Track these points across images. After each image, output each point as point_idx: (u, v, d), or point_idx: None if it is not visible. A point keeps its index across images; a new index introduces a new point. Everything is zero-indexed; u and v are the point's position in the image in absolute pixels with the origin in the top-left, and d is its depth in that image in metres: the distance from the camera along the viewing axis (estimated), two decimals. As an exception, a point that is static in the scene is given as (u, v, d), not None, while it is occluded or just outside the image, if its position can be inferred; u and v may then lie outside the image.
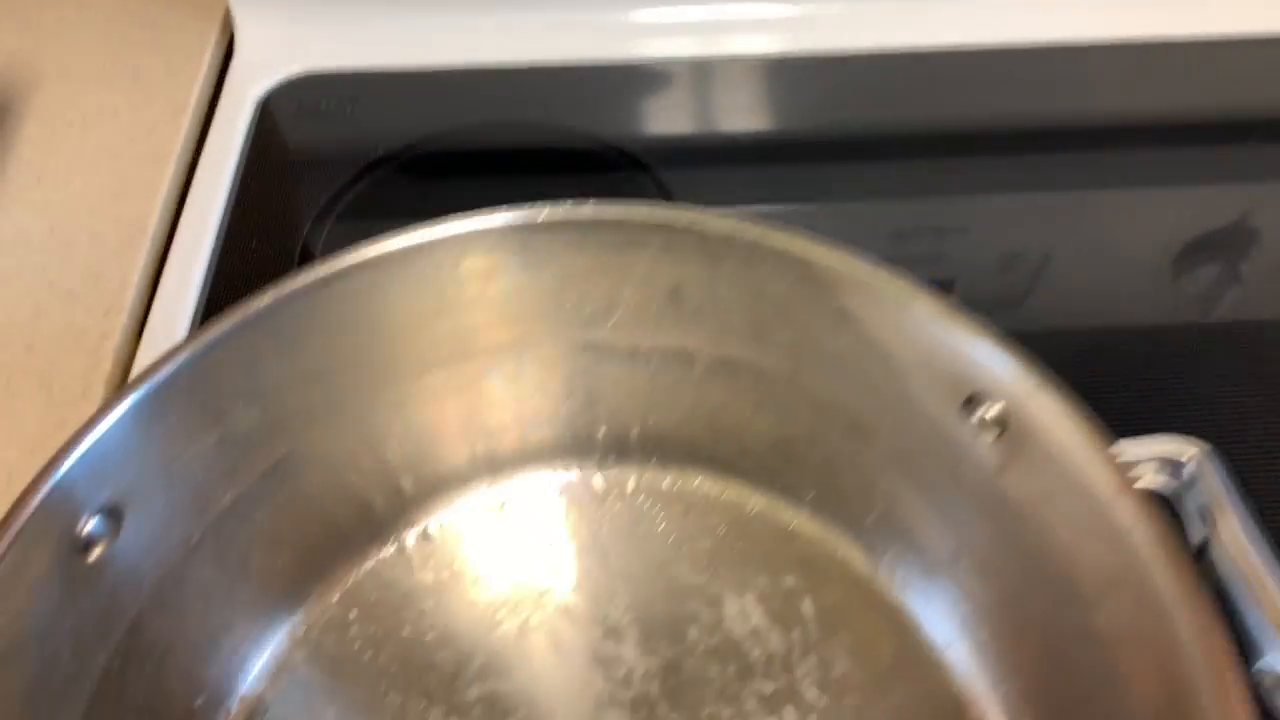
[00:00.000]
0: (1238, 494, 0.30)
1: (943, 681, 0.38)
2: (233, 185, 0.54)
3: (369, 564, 0.41)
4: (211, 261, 0.51)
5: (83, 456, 0.29)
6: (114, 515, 0.31)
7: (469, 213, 0.34)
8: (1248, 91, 0.61)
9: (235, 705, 0.38)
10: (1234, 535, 0.29)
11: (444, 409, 0.40)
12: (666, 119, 0.57)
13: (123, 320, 0.50)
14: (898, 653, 0.39)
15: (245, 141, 0.56)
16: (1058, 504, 0.31)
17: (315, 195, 0.56)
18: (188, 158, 0.57)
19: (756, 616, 0.40)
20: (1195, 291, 0.54)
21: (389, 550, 0.42)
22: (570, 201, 0.34)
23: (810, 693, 0.38)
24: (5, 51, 0.61)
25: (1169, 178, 0.58)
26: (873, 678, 0.39)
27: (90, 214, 0.54)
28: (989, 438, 0.33)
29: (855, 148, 0.58)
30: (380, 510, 0.41)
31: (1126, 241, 0.55)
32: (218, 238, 0.52)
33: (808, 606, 0.40)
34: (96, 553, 0.31)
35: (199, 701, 0.37)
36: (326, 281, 0.33)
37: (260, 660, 0.39)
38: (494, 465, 0.42)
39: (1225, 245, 0.55)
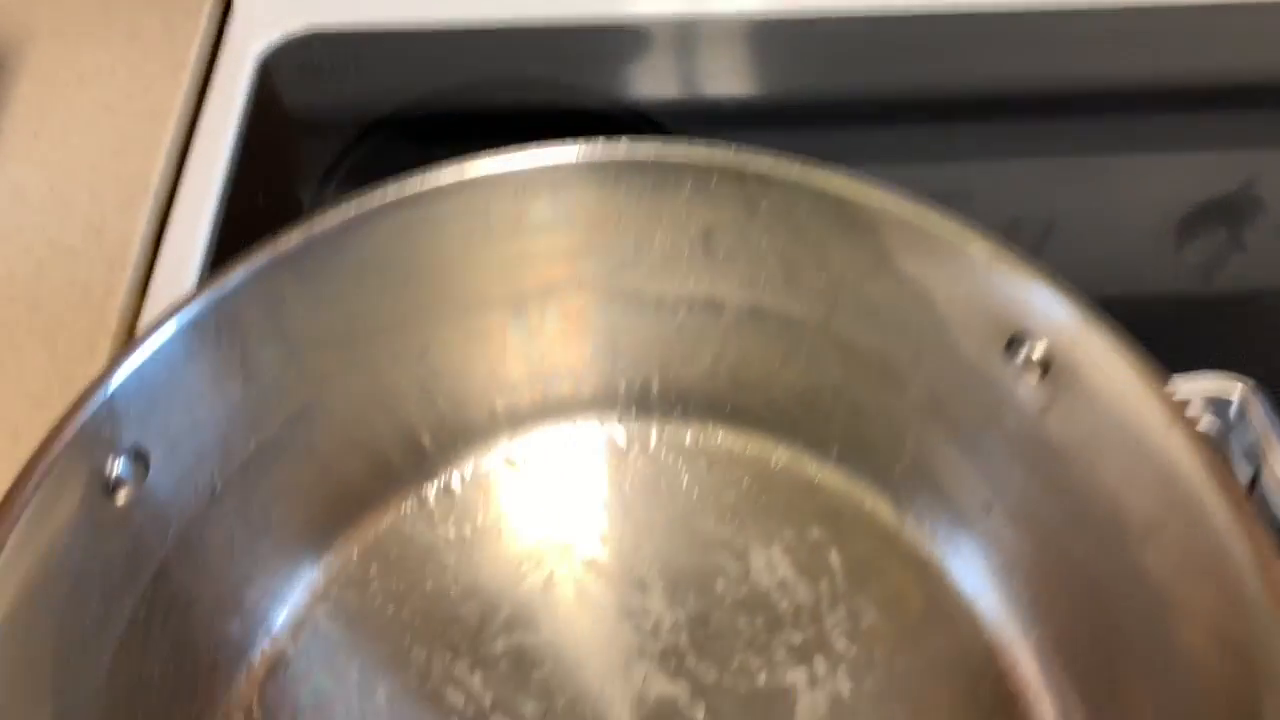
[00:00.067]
0: (1285, 430, 0.30)
1: (973, 631, 0.38)
2: (235, 143, 0.53)
3: (389, 519, 0.41)
4: (216, 218, 0.50)
5: (111, 394, 0.28)
6: (141, 459, 0.30)
7: (495, 151, 0.34)
8: (1252, 57, 0.61)
9: (257, 659, 0.37)
10: (1285, 470, 0.29)
11: (466, 360, 0.39)
12: (676, 78, 0.57)
13: (127, 277, 0.49)
14: (927, 603, 0.39)
15: (246, 100, 0.55)
16: (1104, 443, 0.31)
17: (319, 154, 0.55)
18: (188, 115, 0.55)
19: (783, 568, 0.40)
20: (1198, 259, 0.54)
21: (410, 505, 0.41)
22: (601, 140, 0.33)
23: (840, 643, 0.38)
24: (-3, 7, 0.59)
25: (1173, 143, 0.58)
26: (902, 628, 0.38)
27: (90, 171, 0.52)
28: (1031, 379, 0.32)
29: (856, 112, 0.58)
30: (400, 465, 0.41)
31: (1130, 207, 0.55)
32: (222, 194, 0.51)
33: (835, 558, 0.40)
34: (123, 496, 0.30)
35: (222, 655, 0.36)
36: (354, 223, 0.32)
37: (281, 615, 0.38)
38: (515, 419, 0.42)
39: (1229, 211, 0.55)
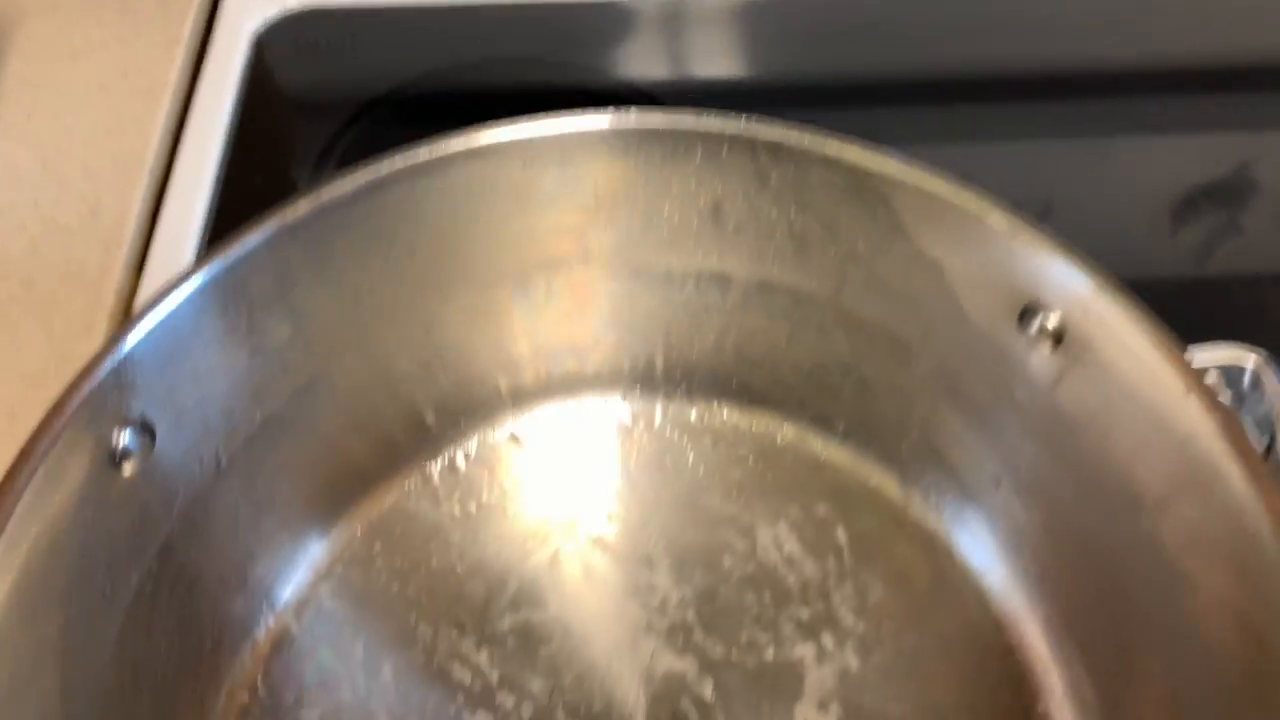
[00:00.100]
0: (1299, 400, 0.30)
1: (980, 606, 0.38)
2: (230, 121, 0.53)
3: (393, 496, 0.40)
4: (213, 197, 0.49)
5: (119, 362, 0.28)
6: (147, 430, 0.30)
7: (504, 121, 0.33)
8: (1248, 38, 0.61)
9: (262, 636, 0.37)
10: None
11: (472, 335, 0.39)
12: (674, 57, 0.56)
13: (123, 255, 0.48)
14: (934, 579, 0.39)
15: (241, 77, 0.55)
16: (1117, 413, 0.30)
17: (315, 132, 0.54)
18: (182, 93, 0.55)
19: (790, 545, 0.40)
20: (1194, 241, 0.54)
21: (414, 482, 0.41)
22: (611, 109, 0.33)
23: (847, 619, 0.38)
24: (-14, -17, 0.59)
25: (1171, 125, 0.58)
26: (910, 604, 0.38)
27: (84, 148, 0.52)
28: (1044, 350, 0.32)
29: (849, 93, 0.57)
30: (404, 442, 0.40)
31: (1128, 189, 0.55)
32: (218, 173, 0.50)
33: (841, 535, 0.40)
34: (130, 467, 0.29)
35: (226, 632, 0.36)
36: (362, 192, 0.32)
37: (285, 592, 0.38)
38: (519, 396, 0.41)
39: (1225, 194, 0.55)
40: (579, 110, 0.33)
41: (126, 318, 0.47)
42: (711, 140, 0.33)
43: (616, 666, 0.37)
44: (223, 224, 0.49)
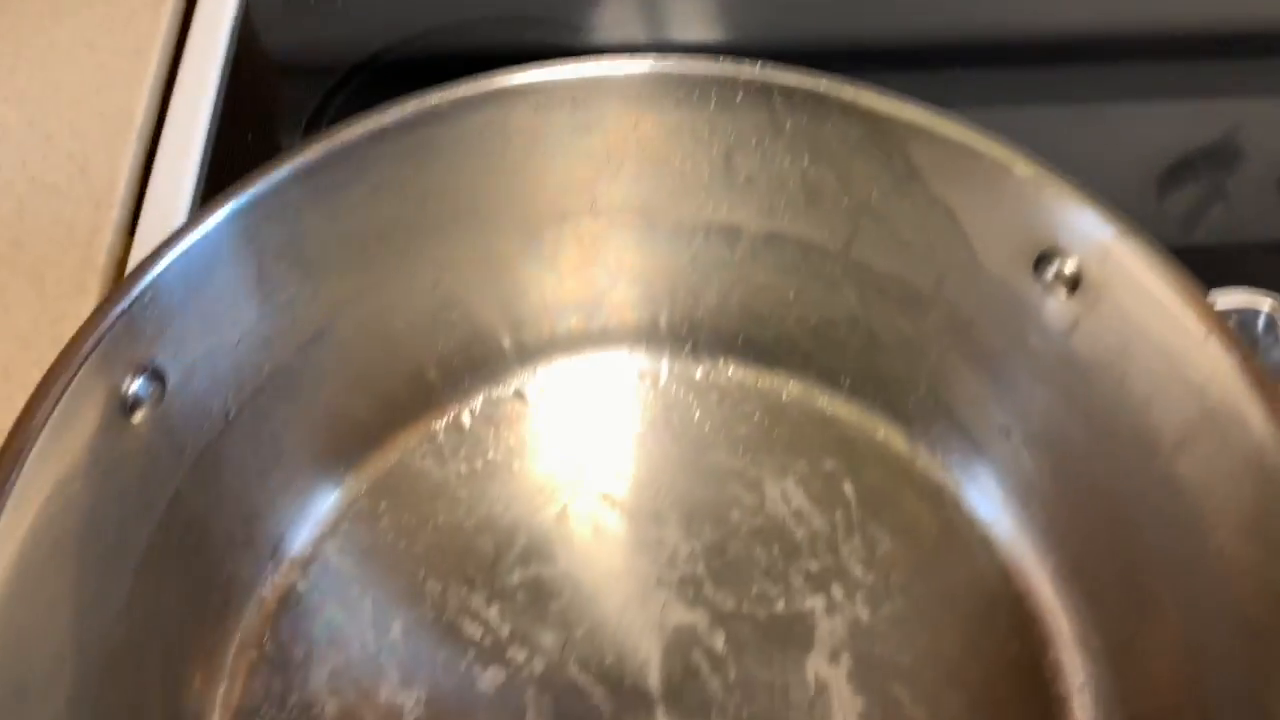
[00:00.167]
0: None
1: (989, 556, 0.38)
2: (220, 79, 0.52)
3: (397, 454, 0.40)
4: (204, 155, 0.49)
5: (130, 306, 0.27)
6: (158, 378, 0.29)
7: (517, 67, 0.33)
8: (1236, 4, 0.61)
9: (269, 593, 0.37)
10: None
11: (478, 290, 0.39)
12: (674, 17, 0.56)
13: (114, 214, 0.47)
14: (942, 530, 0.39)
15: (230, 35, 0.54)
16: (1135, 356, 0.31)
17: (305, 94, 0.54)
18: (170, 51, 0.54)
19: (798, 499, 0.40)
20: (1180, 208, 0.54)
21: (419, 440, 0.40)
22: (625, 55, 0.33)
23: (856, 570, 0.38)
24: (-35, -60, 0.57)
25: (1156, 92, 0.58)
26: (918, 555, 0.38)
27: (71, 107, 0.51)
28: (1060, 296, 0.32)
29: (835, 60, 0.57)
30: (409, 399, 0.40)
31: (1114, 156, 0.55)
32: (209, 131, 0.49)
33: (849, 488, 0.40)
34: (140, 415, 0.29)
35: (234, 588, 0.36)
36: (373, 136, 0.31)
37: (292, 550, 0.37)
38: (525, 353, 0.41)
39: (1212, 161, 0.55)
40: (592, 56, 0.33)
41: (120, 277, 0.46)
42: (726, 86, 0.33)
43: (628, 620, 0.37)
44: (214, 183, 0.49)
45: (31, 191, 0.48)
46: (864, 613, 0.37)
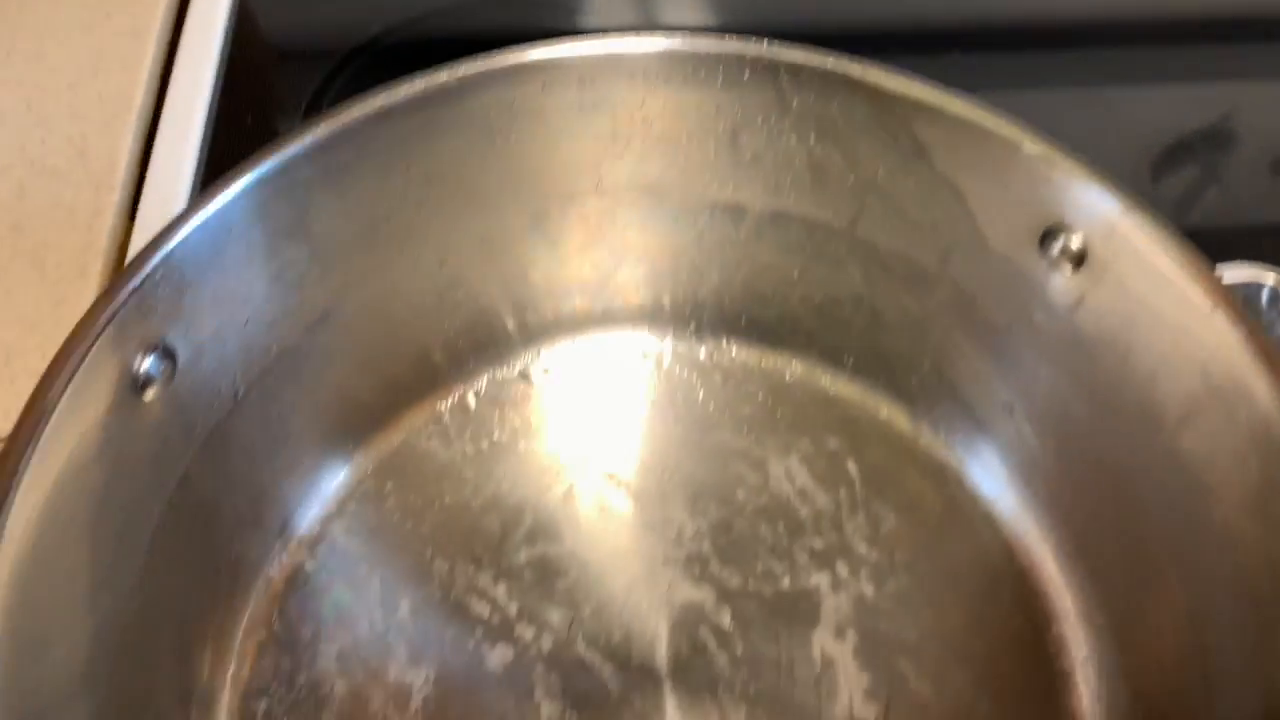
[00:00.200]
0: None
1: (992, 533, 0.39)
2: (219, 62, 0.52)
3: (402, 435, 0.40)
4: (204, 137, 0.49)
5: (142, 284, 0.27)
6: (169, 356, 0.29)
7: (525, 45, 0.33)
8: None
9: (276, 573, 0.37)
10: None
11: (483, 270, 0.39)
12: (676, 4, 0.56)
13: (115, 197, 0.47)
14: (945, 508, 0.39)
15: (228, 17, 0.53)
16: (1140, 331, 0.31)
17: (307, 75, 0.53)
18: (168, 32, 0.54)
19: (802, 478, 0.40)
20: (1174, 192, 0.54)
21: (424, 421, 0.40)
22: (633, 33, 0.33)
23: (860, 548, 0.38)
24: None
25: (1150, 77, 0.58)
26: (922, 532, 0.39)
27: (69, 90, 0.50)
28: (1065, 272, 0.32)
29: (834, 42, 0.57)
30: (413, 381, 0.40)
31: (1108, 140, 0.55)
32: (208, 113, 0.49)
33: (852, 467, 0.40)
34: (152, 394, 0.29)
35: (242, 568, 0.36)
36: (381, 115, 0.31)
37: (298, 530, 0.38)
38: (529, 334, 0.41)
39: (1205, 145, 0.55)
40: (600, 34, 0.33)
41: (121, 261, 0.46)
42: (733, 64, 0.33)
43: (635, 597, 0.37)
44: (214, 166, 0.48)
45: (31, 175, 0.48)
46: (869, 589, 0.37)
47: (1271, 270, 0.31)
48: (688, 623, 0.37)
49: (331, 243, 0.33)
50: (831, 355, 0.41)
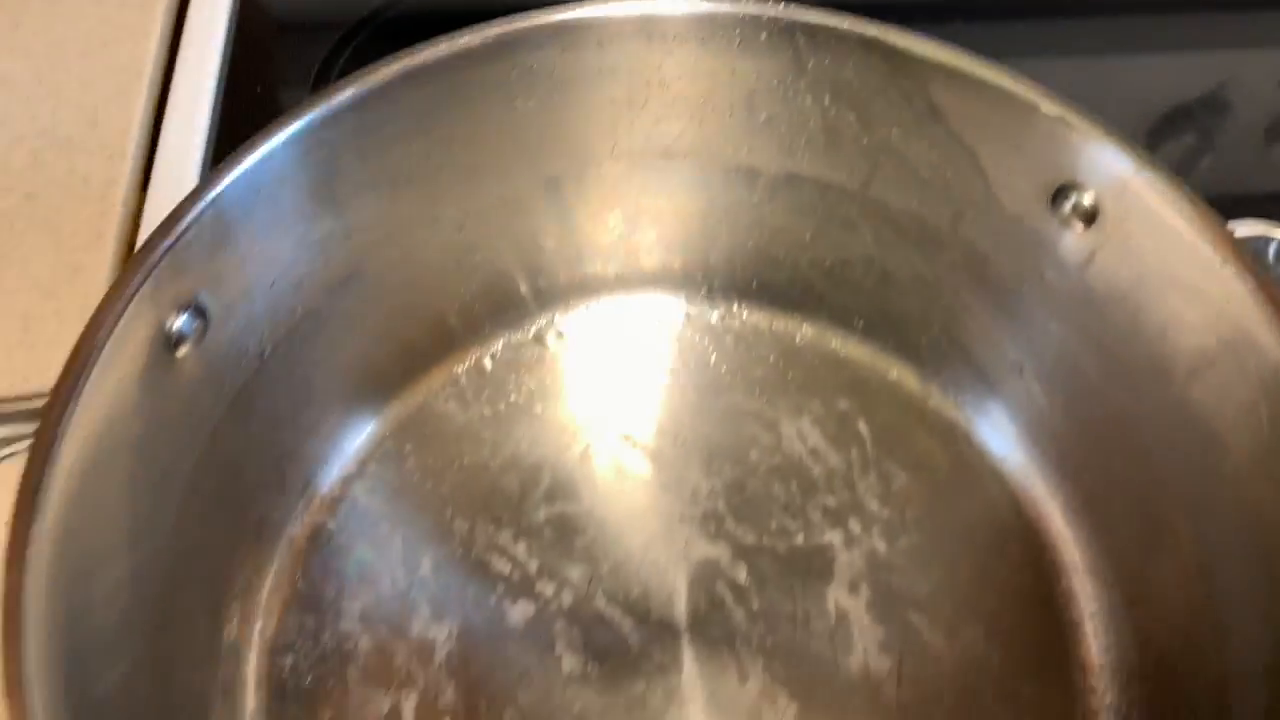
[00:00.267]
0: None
1: (1001, 490, 0.39)
2: (227, 31, 0.52)
3: (422, 397, 0.41)
4: (215, 106, 0.49)
5: (176, 243, 0.28)
6: (200, 314, 0.30)
7: (544, 9, 0.33)
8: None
9: (300, 532, 0.37)
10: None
11: (500, 234, 0.39)
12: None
13: (127, 166, 0.47)
14: (955, 466, 0.40)
15: (236, -12, 0.54)
16: (1151, 286, 0.32)
17: (313, 46, 0.54)
18: (175, 3, 0.54)
19: (814, 438, 0.40)
20: (1169, 161, 0.55)
21: (442, 383, 0.41)
22: (644, -3, 0.33)
23: (872, 505, 0.39)
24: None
25: (1144, 46, 0.58)
26: (932, 491, 0.39)
27: (79, 61, 0.51)
28: (1077, 229, 0.33)
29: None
30: (431, 344, 0.40)
31: (1102, 110, 0.55)
32: (218, 82, 0.49)
33: (863, 427, 0.41)
34: (184, 351, 0.29)
35: (266, 528, 0.36)
36: (406, 77, 0.32)
37: (320, 491, 0.38)
38: (543, 297, 0.42)
39: (1200, 114, 0.56)
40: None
41: (135, 228, 0.46)
42: (750, 25, 0.33)
43: (652, 554, 0.38)
44: (225, 134, 0.49)
45: (44, 145, 0.48)
46: (881, 546, 0.38)
47: (1279, 226, 0.32)
48: (705, 578, 0.37)
49: (355, 205, 0.34)
50: (842, 317, 0.42)
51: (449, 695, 0.35)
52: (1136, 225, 0.31)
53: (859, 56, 0.33)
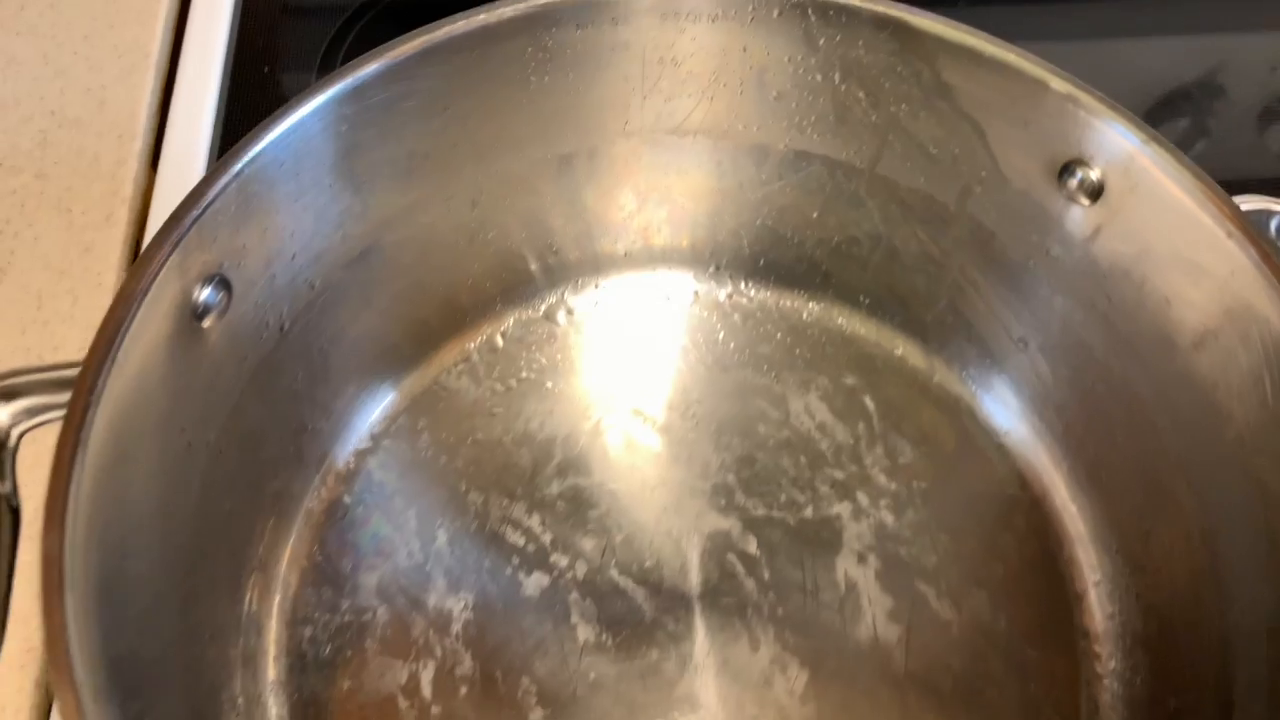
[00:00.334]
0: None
1: (1006, 462, 0.40)
2: (234, 12, 0.52)
3: (434, 374, 0.41)
4: (222, 87, 0.49)
5: (202, 216, 0.28)
6: (224, 286, 0.30)
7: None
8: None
9: (316, 506, 0.38)
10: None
11: (512, 212, 0.40)
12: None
13: (136, 146, 0.48)
14: (960, 439, 0.41)
15: (241, -31, 0.54)
16: (1155, 259, 0.32)
17: (320, 28, 0.54)
18: (181, -15, 0.54)
19: (821, 413, 0.41)
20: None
21: (454, 360, 0.41)
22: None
23: (880, 478, 0.40)
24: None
25: (1138, 30, 0.59)
26: (939, 464, 0.40)
27: (85, 41, 0.51)
28: (1083, 204, 0.34)
29: None
30: (441, 321, 0.41)
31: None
32: (225, 63, 0.50)
33: (869, 402, 0.41)
34: (209, 322, 0.30)
35: (284, 501, 0.37)
36: (424, 53, 0.32)
37: (336, 465, 0.39)
38: (553, 275, 0.42)
39: (1194, 99, 0.56)
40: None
41: (145, 207, 0.46)
42: (762, 2, 0.34)
43: (664, 527, 0.39)
44: (233, 114, 0.49)
45: (52, 125, 0.48)
46: (888, 517, 0.39)
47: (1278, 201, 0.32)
48: (716, 550, 0.38)
49: (372, 181, 0.34)
50: (848, 295, 0.43)
51: (466, 665, 0.36)
52: (1142, 199, 0.32)
53: (870, 34, 0.34)
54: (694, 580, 0.37)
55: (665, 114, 0.38)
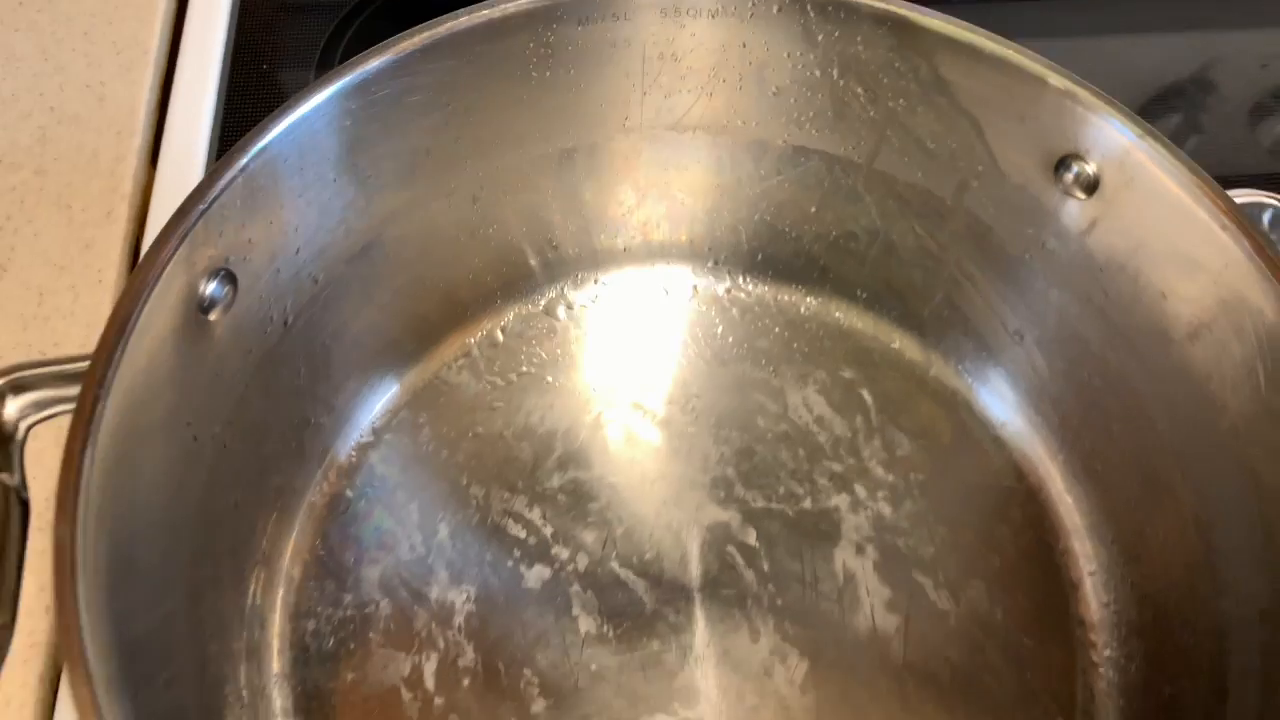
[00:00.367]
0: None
1: (1002, 454, 0.40)
2: (232, 9, 0.52)
3: (435, 368, 0.41)
4: (221, 84, 0.49)
5: (208, 210, 0.28)
6: (230, 280, 0.30)
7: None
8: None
9: (318, 500, 0.38)
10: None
11: (512, 208, 0.40)
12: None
13: (136, 143, 0.48)
14: (957, 432, 0.41)
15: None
16: (1151, 252, 0.33)
17: (319, 24, 0.54)
18: (180, -19, 0.54)
19: (819, 406, 0.41)
20: None
21: (455, 355, 0.42)
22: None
23: (877, 471, 0.40)
24: None
25: (1131, 28, 0.59)
26: (936, 456, 0.40)
27: (83, 37, 0.51)
28: (1079, 198, 0.34)
29: None
30: (442, 316, 0.41)
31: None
32: (223, 60, 0.50)
33: (867, 395, 0.42)
34: (215, 315, 0.30)
35: (286, 496, 0.37)
36: (427, 49, 0.32)
37: (337, 460, 0.39)
38: (552, 270, 0.42)
39: (1186, 96, 0.57)
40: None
41: (145, 204, 0.47)
42: (763, -1, 0.34)
43: (665, 519, 0.39)
44: (231, 111, 0.49)
45: (52, 122, 0.48)
46: (886, 509, 0.39)
47: (1272, 195, 0.33)
48: (716, 541, 0.38)
49: (375, 175, 0.35)
50: (845, 289, 0.43)
51: (468, 656, 0.36)
52: (1137, 193, 0.32)
53: (868, 30, 0.34)
54: (694, 572, 0.38)
55: (665, 110, 0.38)
